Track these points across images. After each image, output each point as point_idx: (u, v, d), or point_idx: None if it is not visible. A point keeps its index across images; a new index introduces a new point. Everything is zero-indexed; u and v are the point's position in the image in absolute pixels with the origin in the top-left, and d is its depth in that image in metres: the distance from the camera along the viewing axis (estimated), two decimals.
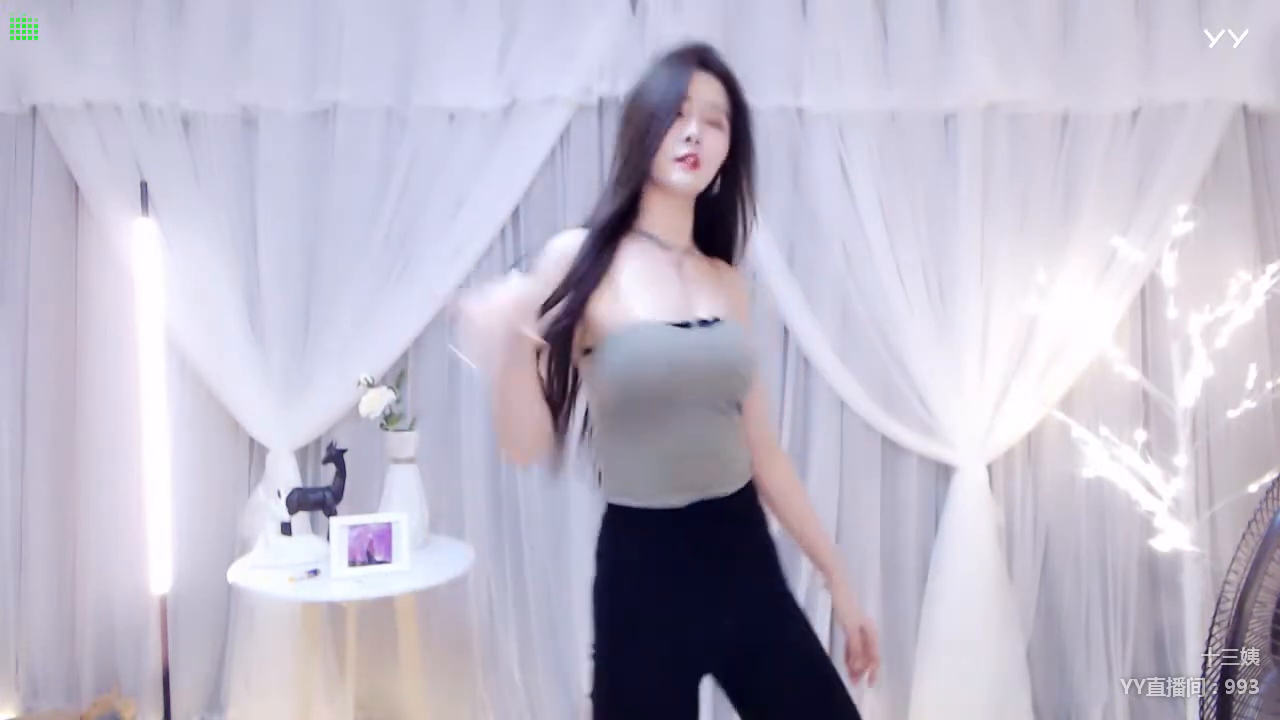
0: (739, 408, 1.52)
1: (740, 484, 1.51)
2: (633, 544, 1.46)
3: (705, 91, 1.46)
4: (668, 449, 1.43)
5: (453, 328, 2.82)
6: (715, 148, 1.47)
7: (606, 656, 1.44)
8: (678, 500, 1.44)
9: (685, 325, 1.44)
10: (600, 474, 1.51)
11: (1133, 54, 2.75)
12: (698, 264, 1.54)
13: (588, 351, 1.45)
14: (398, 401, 2.56)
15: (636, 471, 1.45)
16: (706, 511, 1.45)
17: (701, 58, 1.48)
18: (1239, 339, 2.50)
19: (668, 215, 1.51)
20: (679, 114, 1.44)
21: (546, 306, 1.39)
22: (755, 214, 1.57)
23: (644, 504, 1.44)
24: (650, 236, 1.50)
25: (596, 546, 1.50)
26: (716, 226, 1.57)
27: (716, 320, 1.47)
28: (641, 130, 1.45)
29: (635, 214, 1.50)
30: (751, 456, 1.56)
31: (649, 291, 1.45)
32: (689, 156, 1.43)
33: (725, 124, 1.48)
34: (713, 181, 1.50)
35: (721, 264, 1.58)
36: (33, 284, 2.84)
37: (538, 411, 1.40)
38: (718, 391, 1.46)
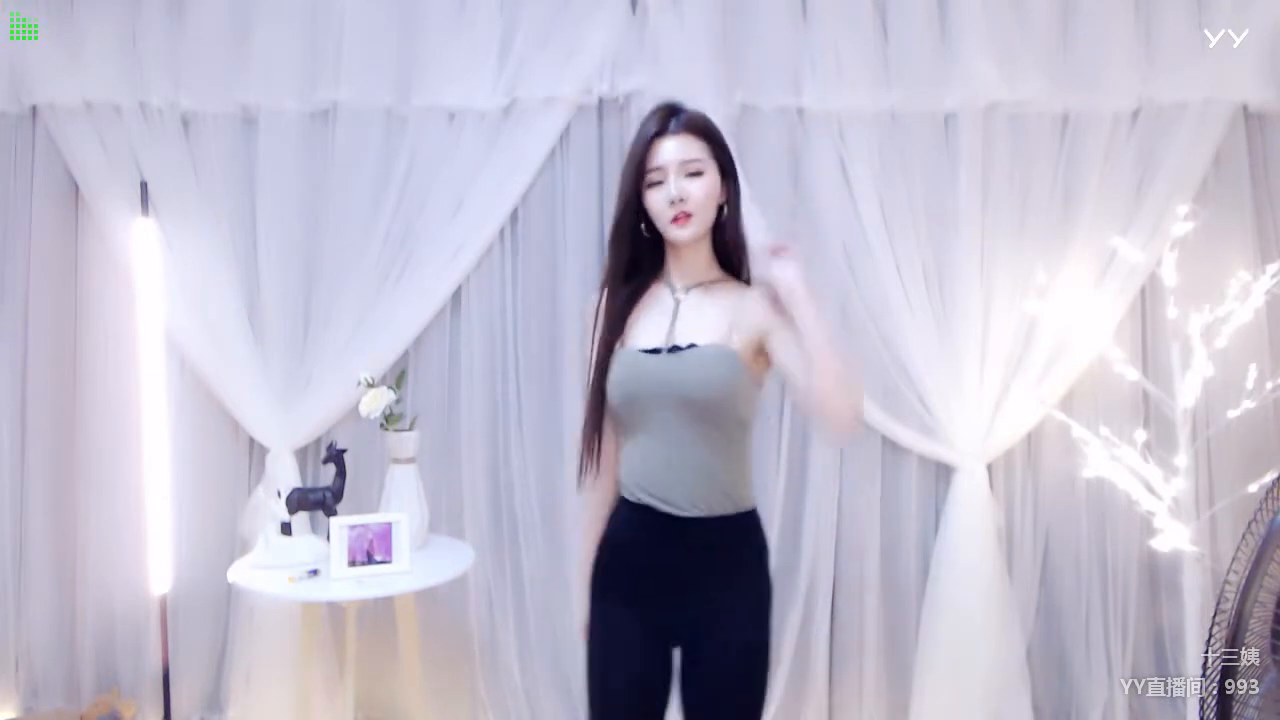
0: (727, 433, 1.64)
1: (705, 511, 1.63)
2: (616, 525, 1.73)
3: (674, 152, 1.65)
4: (636, 455, 1.67)
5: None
6: (701, 193, 1.65)
7: (589, 609, 1.75)
8: (644, 498, 1.66)
9: (655, 351, 1.66)
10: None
11: (1133, 54, 2.75)
12: (709, 295, 1.71)
13: None
14: (398, 401, 2.56)
15: (621, 468, 1.72)
16: (663, 523, 1.64)
17: (662, 124, 1.66)
18: (1239, 339, 2.50)
19: (678, 262, 1.73)
20: (653, 184, 1.65)
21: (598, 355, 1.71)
22: (741, 227, 1.75)
23: (625, 495, 1.71)
24: (666, 282, 1.74)
25: None
26: (727, 247, 1.75)
27: (691, 346, 1.64)
28: (619, 204, 1.70)
29: (663, 263, 1.74)
30: (740, 489, 1.67)
31: (641, 325, 1.71)
32: (678, 216, 1.64)
33: (707, 167, 1.66)
34: (720, 210, 1.70)
35: (750, 290, 1.72)
36: (33, 284, 2.84)
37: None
38: (676, 408, 1.62)
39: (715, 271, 1.75)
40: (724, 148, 1.70)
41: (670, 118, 1.67)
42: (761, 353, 1.65)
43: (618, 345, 1.69)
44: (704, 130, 1.68)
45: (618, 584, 1.71)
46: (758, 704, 1.66)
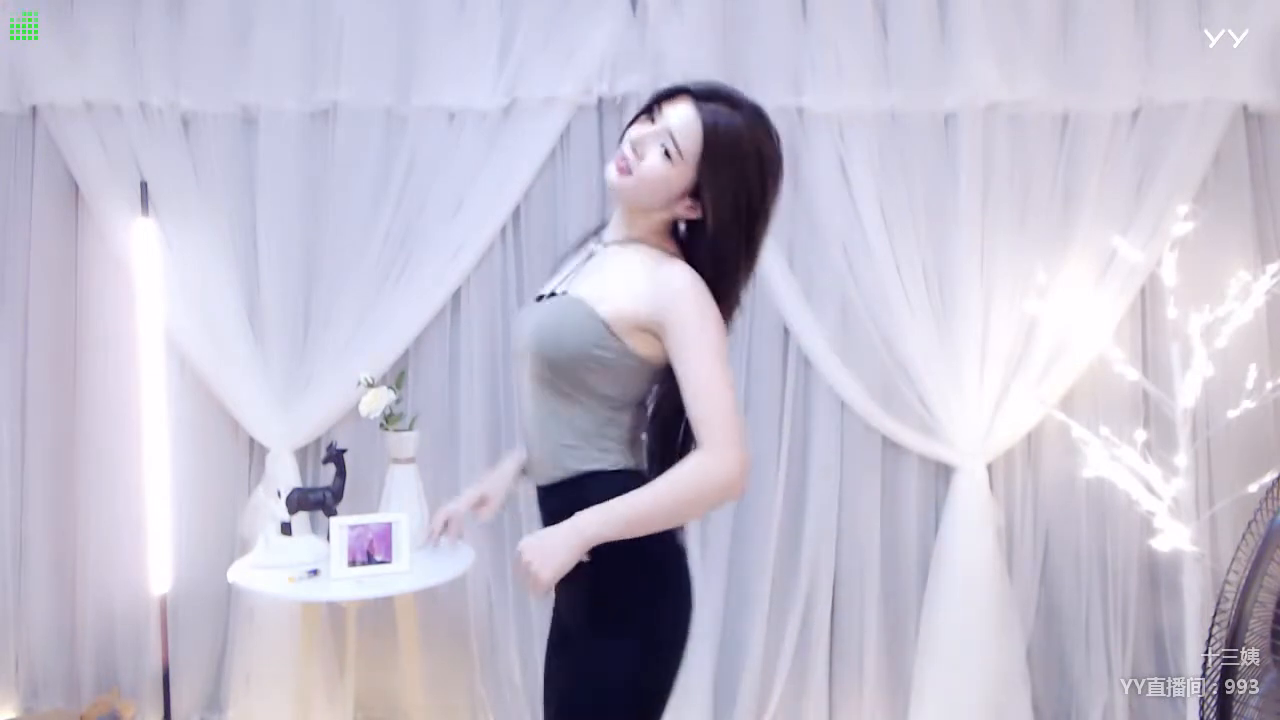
0: (564, 391, 1.48)
1: (553, 478, 1.52)
2: None
3: (675, 119, 1.45)
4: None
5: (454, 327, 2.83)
6: (653, 170, 1.45)
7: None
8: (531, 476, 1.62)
9: (539, 299, 1.57)
10: None
11: (1133, 54, 2.75)
12: (620, 255, 1.52)
13: None
14: (398, 401, 2.56)
15: None
16: (540, 497, 1.57)
17: (703, 94, 1.46)
18: (1239, 339, 2.50)
19: (617, 214, 1.58)
20: (643, 120, 1.49)
21: None
22: (746, 270, 1.50)
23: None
24: (598, 232, 1.64)
25: None
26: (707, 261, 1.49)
27: (553, 295, 1.53)
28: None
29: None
30: (585, 450, 1.49)
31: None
32: (621, 163, 1.48)
33: (679, 159, 1.44)
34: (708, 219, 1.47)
35: (664, 262, 1.47)
36: (33, 284, 2.84)
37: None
38: (523, 362, 1.53)
39: (652, 237, 1.53)
40: (721, 172, 1.44)
41: (711, 100, 1.45)
42: (647, 331, 1.44)
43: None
44: (715, 140, 1.43)
45: None
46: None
